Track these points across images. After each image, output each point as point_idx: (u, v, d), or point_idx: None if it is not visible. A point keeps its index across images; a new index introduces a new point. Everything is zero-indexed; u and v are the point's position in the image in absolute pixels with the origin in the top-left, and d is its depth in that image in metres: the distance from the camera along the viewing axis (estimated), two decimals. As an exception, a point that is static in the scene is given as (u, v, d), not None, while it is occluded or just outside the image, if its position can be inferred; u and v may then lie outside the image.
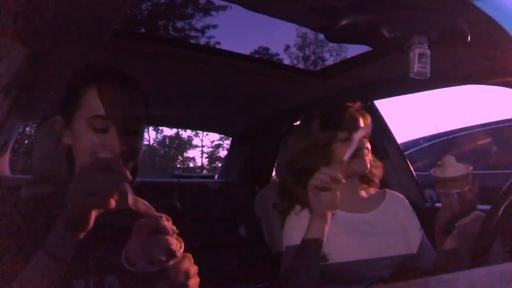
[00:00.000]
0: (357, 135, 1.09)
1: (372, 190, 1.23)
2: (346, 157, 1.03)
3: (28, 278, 0.61)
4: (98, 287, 0.72)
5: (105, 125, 0.76)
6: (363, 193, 1.21)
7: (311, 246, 0.99)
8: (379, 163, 1.24)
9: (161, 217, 0.64)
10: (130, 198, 0.63)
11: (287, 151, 1.24)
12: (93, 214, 0.62)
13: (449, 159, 1.00)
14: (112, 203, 0.61)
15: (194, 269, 0.66)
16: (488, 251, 0.87)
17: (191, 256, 0.66)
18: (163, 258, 0.61)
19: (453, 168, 0.98)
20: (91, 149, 0.76)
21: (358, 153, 1.08)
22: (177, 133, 24.45)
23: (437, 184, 1.01)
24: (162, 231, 0.63)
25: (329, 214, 1.01)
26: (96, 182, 0.60)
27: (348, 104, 1.20)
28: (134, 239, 0.63)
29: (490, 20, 0.83)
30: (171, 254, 0.62)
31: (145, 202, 0.65)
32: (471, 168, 0.98)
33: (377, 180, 1.23)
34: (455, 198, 0.99)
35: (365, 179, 1.21)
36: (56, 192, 0.83)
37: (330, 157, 1.11)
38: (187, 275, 0.65)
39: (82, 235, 0.63)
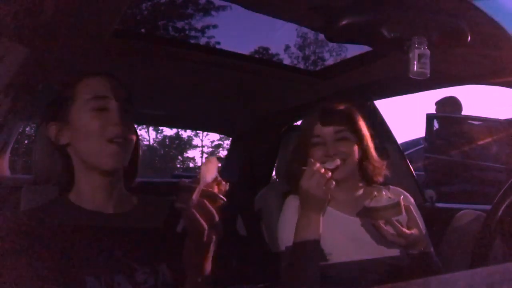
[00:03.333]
0: (329, 137, 1.12)
1: (374, 190, 1.23)
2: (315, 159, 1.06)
3: None
4: (108, 285, 0.73)
5: (104, 103, 0.82)
6: (362, 193, 1.20)
7: (310, 245, 1.00)
8: (381, 162, 1.23)
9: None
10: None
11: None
12: None
13: (380, 191, 1.04)
14: None
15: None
16: (488, 251, 0.87)
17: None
18: None
19: (378, 199, 1.02)
20: (96, 129, 0.80)
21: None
22: (177, 133, 24.46)
23: (371, 215, 1.03)
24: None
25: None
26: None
27: (324, 107, 1.20)
28: None
29: (490, 20, 0.83)
30: None
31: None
32: (401, 197, 1.01)
33: (379, 179, 1.22)
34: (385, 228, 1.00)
35: (366, 178, 1.21)
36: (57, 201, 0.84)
37: (305, 163, 1.13)
38: None
39: None
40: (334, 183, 1.00)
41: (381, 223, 1.00)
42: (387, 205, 0.99)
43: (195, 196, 0.66)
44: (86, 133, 0.80)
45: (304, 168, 1.03)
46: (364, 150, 1.18)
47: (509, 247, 0.93)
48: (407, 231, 1.00)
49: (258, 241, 1.44)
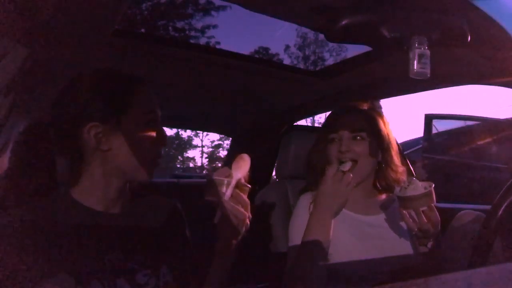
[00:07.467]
0: (345, 135, 1.12)
1: (384, 195, 1.22)
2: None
3: None
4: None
5: (154, 117, 0.83)
6: (373, 197, 1.20)
7: (319, 243, 1.00)
8: (402, 168, 1.20)
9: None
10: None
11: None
12: None
13: (412, 180, 1.04)
14: None
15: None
16: (488, 251, 0.87)
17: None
18: None
19: (413, 187, 1.02)
20: (150, 145, 0.81)
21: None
22: (177, 133, 24.46)
23: (399, 203, 1.03)
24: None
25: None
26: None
27: (347, 105, 1.21)
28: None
29: (490, 20, 0.83)
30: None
31: None
32: (432, 185, 1.01)
33: (394, 186, 1.18)
34: (416, 216, 1.00)
35: (382, 183, 1.20)
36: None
37: (323, 157, 1.16)
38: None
39: None
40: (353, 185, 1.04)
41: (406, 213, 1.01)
42: (425, 193, 1.00)
43: (230, 190, 0.75)
44: (139, 147, 0.79)
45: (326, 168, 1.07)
46: (384, 153, 1.16)
47: (509, 247, 0.93)
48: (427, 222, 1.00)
49: (258, 241, 1.44)
